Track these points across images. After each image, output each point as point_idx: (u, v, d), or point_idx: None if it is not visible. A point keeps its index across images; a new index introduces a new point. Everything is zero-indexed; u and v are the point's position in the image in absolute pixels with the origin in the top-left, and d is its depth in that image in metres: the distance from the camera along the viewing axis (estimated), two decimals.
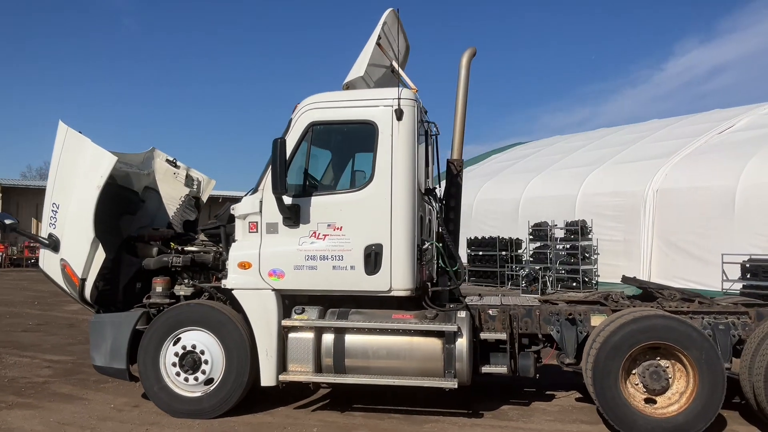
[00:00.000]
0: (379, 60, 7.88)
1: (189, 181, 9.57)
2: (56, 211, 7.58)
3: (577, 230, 24.09)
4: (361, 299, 7.33)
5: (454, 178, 8.87)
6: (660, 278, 21.28)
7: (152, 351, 7.27)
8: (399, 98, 7.02)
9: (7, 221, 7.78)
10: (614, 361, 6.67)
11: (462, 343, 6.96)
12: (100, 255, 7.36)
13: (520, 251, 27.83)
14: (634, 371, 6.82)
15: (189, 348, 7.20)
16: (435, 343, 6.99)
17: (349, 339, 7.11)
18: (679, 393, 6.69)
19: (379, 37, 7.67)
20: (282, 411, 7.42)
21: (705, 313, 7.21)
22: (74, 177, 7.47)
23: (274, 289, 7.14)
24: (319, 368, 7.15)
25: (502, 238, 27.40)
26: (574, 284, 24.19)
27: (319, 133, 7.32)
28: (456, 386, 6.85)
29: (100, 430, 6.72)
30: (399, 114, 7.01)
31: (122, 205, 8.17)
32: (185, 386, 7.21)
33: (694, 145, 23.22)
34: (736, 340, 7.05)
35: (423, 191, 7.61)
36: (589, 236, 23.89)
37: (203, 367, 7.17)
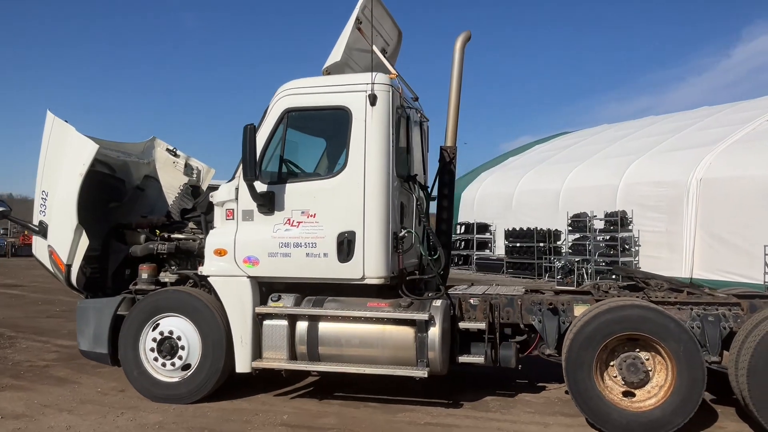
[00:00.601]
0: (362, 45, 7.76)
1: (188, 170, 9.67)
2: (45, 199, 7.76)
3: (617, 221, 23.48)
4: (341, 287, 7.26)
5: (447, 165, 8.71)
6: (703, 270, 20.59)
7: (132, 336, 7.37)
8: (372, 83, 6.91)
9: (0, 208, 7.99)
10: (588, 352, 6.43)
11: (434, 332, 6.82)
12: (85, 241, 7.50)
13: (559, 243, 27.31)
14: (612, 363, 6.57)
15: (166, 334, 7.27)
16: (407, 332, 6.88)
17: (323, 327, 7.06)
18: (658, 386, 6.41)
19: (359, 21, 7.53)
20: (260, 398, 7.43)
21: (694, 304, 6.88)
22: (60, 165, 7.63)
23: (249, 276, 7.14)
24: (293, 356, 7.13)
25: (540, 229, 26.91)
26: (613, 276, 23.62)
27: (295, 119, 7.27)
28: (426, 375, 6.73)
29: (78, 412, 6.86)
30: (372, 99, 6.90)
31: (109, 193, 8.30)
32: (163, 371, 7.29)
33: (741, 133, 22.28)
34: (727, 332, 6.70)
35: (404, 178, 7.48)
36: (630, 227, 23.22)
37: (180, 353, 7.24)
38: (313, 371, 7.19)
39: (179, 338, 7.24)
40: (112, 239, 8.18)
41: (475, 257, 31.38)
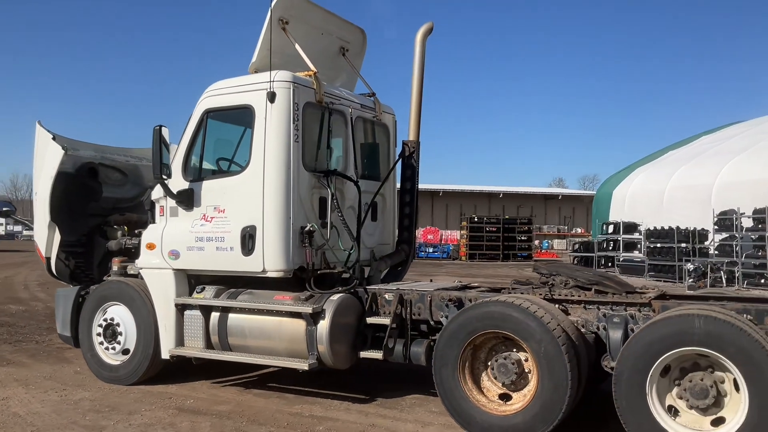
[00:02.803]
0: (284, 45, 7.82)
1: None
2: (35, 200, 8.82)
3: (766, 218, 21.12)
4: (264, 280, 7.50)
5: (408, 159, 8.63)
6: None
7: (87, 321, 8.15)
8: (271, 81, 7.08)
9: (5, 208, 9.19)
10: (451, 350, 6.14)
11: (323, 325, 6.84)
12: (58, 237, 8.43)
13: (706, 243, 25.01)
14: (489, 362, 6.20)
15: (109, 320, 7.96)
16: (299, 325, 6.96)
17: (231, 318, 7.35)
18: (528, 390, 5.96)
19: (285, 21, 7.68)
20: (193, 384, 7.86)
21: (600, 303, 6.28)
22: (41, 169, 8.63)
23: (172, 269, 7.62)
24: (209, 345, 7.49)
25: (681, 228, 24.81)
26: (762, 280, 21.22)
27: (215, 119, 7.64)
28: (308, 368, 6.80)
29: (35, 387, 7.70)
30: (271, 97, 7.06)
31: (88, 194, 9.15)
32: (108, 355, 7.98)
33: None
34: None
35: (322, 173, 7.53)
36: None
37: (119, 338, 7.88)
38: (215, 359, 7.46)
39: (118, 325, 7.90)
40: (96, 235, 9.05)
41: (620, 258, 29.61)
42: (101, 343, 8.01)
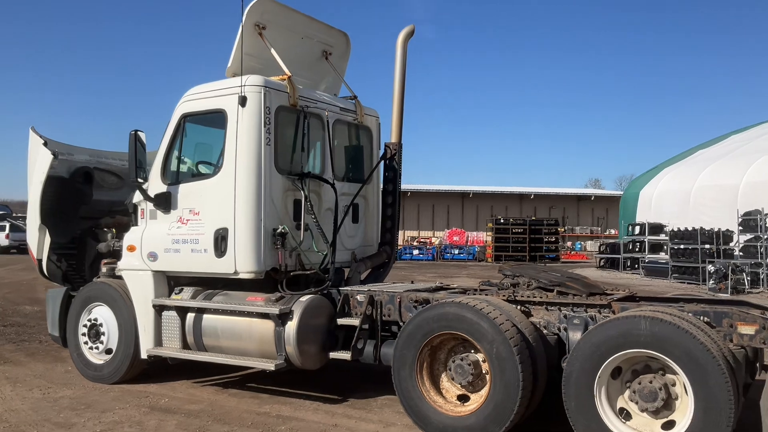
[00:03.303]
0: (263, 49, 7.92)
1: None
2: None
3: None
4: (242, 282, 7.62)
5: (390, 161, 8.69)
6: None
7: (73, 321, 8.37)
8: (242, 85, 7.20)
9: (1, 212, 9.46)
10: (409, 351, 6.18)
11: (291, 326, 6.92)
12: (48, 239, 8.66)
13: (731, 244, 24.50)
14: (448, 363, 6.22)
15: (93, 320, 8.16)
16: (268, 326, 7.05)
17: (205, 319, 7.48)
18: (485, 391, 5.96)
19: (261, 26, 7.79)
20: (173, 384, 8.00)
21: (561, 304, 6.25)
22: (33, 174, 8.88)
23: (151, 270, 7.78)
24: (186, 345, 7.63)
25: (706, 229, 24.35)
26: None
27: (192, 123, 7.79)
28: (274, 368, 6.90)
29: (22, 385, 7.91)
30: (242, 101, 7.18)
31: (78, 197, 9.37)
32: (92, 354, 8.17)
33: None
34: None
35: (297, 175, 7.61)
36: None
37: (102, 338, 8.08)
38: (188, 359, 7.59)
39: (101, 325, 8.09)
40: (88, 237, 9.27)
41: (645, 260, 29.16)
42: (86, 343, 8.21)
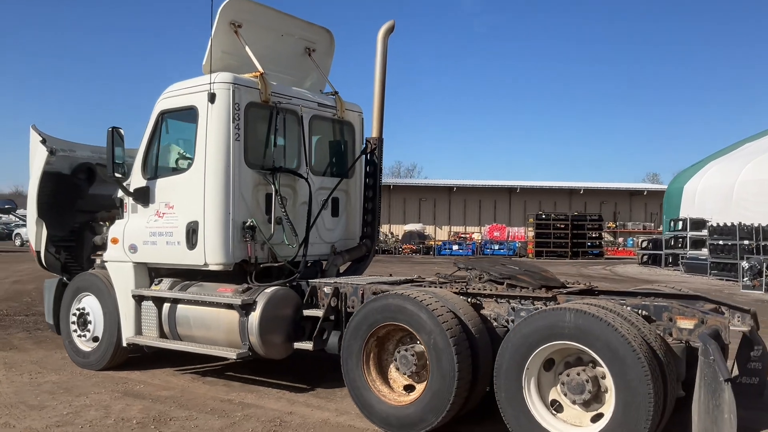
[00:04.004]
0: (240, 47, 8.13)
1: None
2: None
3: None
4: (218, 273, 7.86)
5: (370, 156, 8.81)
6: None
7: (65, 310, 8.78)
8: (211, 83, 7.42)
9: (6, 206, 9.98)
10: (356, 341, 6.31)
11: (254, 317, 7.12)
12: (45, 232, 9.09)
13: None
14: (395, 354, 6.33)
15: (82, 309, 8.54)
16: (234, 316, 7.27)
17: (179, 309, 7.75)
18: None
19: (237, 25, 8.01)
20: (153, 372, 8.29)
21: (510, 297, 6.28)
22: (32, 169, 9.33)
23: (132, 262, 8.10)
24: (163, 334, 7.92)
25: (746, 225, 23.64)
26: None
27: (170, 119, 8.06)
28: (236, 357, 7.12)
29: (16, 370, 8.34)
30: (212, 97, 7.41)
31: (76, 192, 9.77)
32: (81, 341, 8.57)
33: None
34: None
35: (269, 170, 7.79)
36: None
37: (89, 326, 8.45)
38: (161, 348, 7.88)
39: (89, 314, 8.47)
40: (86, 230, 9.67)
41: (686, 256, 28.46)
42: (75, 331, 8.61)
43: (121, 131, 7.79)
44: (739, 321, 6.13)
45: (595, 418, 5.30)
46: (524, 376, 5.41)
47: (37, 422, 6.32)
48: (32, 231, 9.21)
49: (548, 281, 6.74)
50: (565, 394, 5.40)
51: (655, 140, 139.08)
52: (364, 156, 8.83)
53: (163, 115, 7.99)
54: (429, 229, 54.15)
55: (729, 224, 24.35)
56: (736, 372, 6.16)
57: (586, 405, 5.34)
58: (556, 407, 5.48)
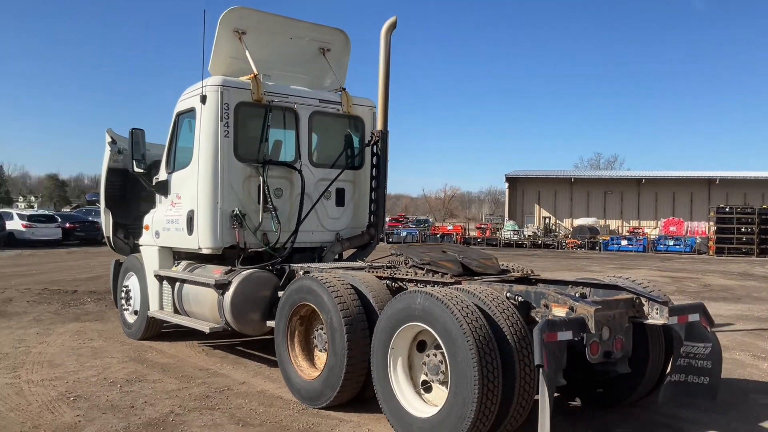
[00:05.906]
0: (239, 53, 8.87)
1: None
2: None
3: None
4: (223, 257, 8.73)
5: (375, 148, 9.25)
6: None
7: (119, 286, 10.19)
8: (203, 86, 8.30)
9: (93, 198, 11.62)
10: (281, 320, 6.86)
11: (228, 295, 7.87)
12: (111, 220, 10.59)
13: None
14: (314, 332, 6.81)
15: (126, 287, 9.88)
16: (215, 295, 8.08)
17: (184, 287, 8.72)
18: None
19: (241, 32, 8.81)
20: (177, 343, 9.37)
21: (418, 281, 6.50)
22: (102, 166, 10.87)
23: (157, 246, 9.24)
24: (176, 310, 8.96)
25: None
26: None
27: (182, 120, 9.05)
28: (208, 331, 7.96)
29: (78, 337, 9.86)
30: (203, 99, 8.28)
31: (141, 185, 11.10)
32: (127, 314, 9.90)
33: None
34: None
35: (260, 163, 8.50)
36: None
37: (131, 301, 9.76)
38: (163, 320, 8.95)
39: (131, 290, 9.78)
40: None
41: None
42: (122, 305, 9.96)
43: (142, 132, 8.93)
44: (657, 313, 5.83)
45: None
46: (389, 356, 5.65)
47: (37, 375, 7.58)
48: (103, 220, 10.74)
49: (486, 268, 6.82)
50: (426, 375, 5.55)
51: None
52: (369, 148, 9.23)
53: (179, 116, 9.02)
54: (613, 224, 51.92)
55: None
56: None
57: (445, 385, 5.45)
58: (426, 387, 5.64)
